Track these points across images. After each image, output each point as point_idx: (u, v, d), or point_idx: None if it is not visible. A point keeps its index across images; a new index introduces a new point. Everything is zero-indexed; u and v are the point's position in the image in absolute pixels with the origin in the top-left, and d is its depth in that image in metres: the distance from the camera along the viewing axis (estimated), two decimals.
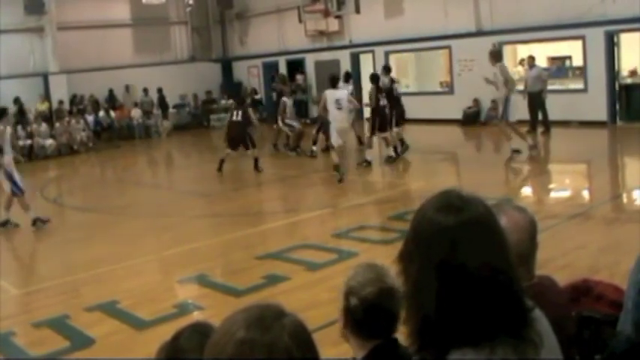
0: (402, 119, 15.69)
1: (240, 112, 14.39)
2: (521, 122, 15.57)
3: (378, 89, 14.07)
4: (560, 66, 18.87)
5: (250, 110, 14.88)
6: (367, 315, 2.22)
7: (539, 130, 16.09)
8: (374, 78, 14.39)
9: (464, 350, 1.47)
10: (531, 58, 16.55)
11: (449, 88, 20.45)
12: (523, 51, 19.04)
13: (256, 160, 14.26)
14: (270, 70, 25.83)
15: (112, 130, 23.44)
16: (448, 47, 19.88)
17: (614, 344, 2.75)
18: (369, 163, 13.73)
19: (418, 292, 1.52)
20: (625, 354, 2.66)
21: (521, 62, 18.68)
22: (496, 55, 13.56)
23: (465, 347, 1.47)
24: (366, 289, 2.24)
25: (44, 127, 20.81)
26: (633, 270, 2.73)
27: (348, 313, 2.27)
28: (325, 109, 12.73)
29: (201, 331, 1.79)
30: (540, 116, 16.25)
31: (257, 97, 26.21)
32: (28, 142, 20.34)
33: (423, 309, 1.51)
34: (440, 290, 1.47)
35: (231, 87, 26.90)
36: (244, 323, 1.34)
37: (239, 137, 14.25)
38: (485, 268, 1.48)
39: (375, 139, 14.22)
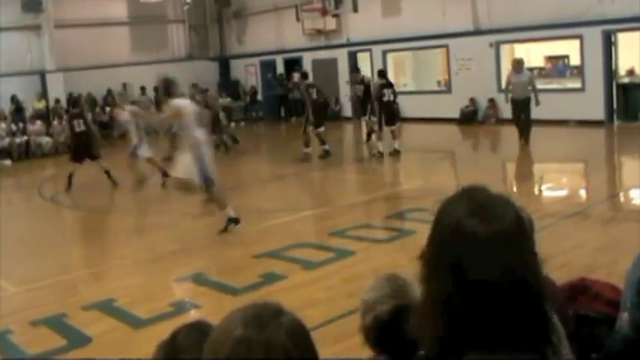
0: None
1: (81, 122, 13.79)
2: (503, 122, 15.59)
3: (383, 85, 14.69)
4: (557, 65, 18.88)
5: (90, 119, 14.10)
6: (383, 334, 2.06)
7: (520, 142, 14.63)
8: (381, 73, 15.43)
9: (481, 351, 1.38)
10: (517, 62, 14.97)
11: (446, 87, 20.47)
12: (520, 50, 19.07)
13: (108, 173, 13.66)
14: (268, 68, 25.83)
15: (110, 128, 23.33)
16: (446, 46, 19.89)
17: (610, 343, 2.76)
18: (381, 154, 14.33)
19: (441, 297, 1.39)
20: (622, 353, 2.67)
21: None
22: (169, 87, 8.98)
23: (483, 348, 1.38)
24: (379, 307, 2.07)
25: (39, 124, 20.81)
26: (631, 270, 2.73)
27: (364, 331, 2.12)
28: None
29: (199, 329, 1.79)
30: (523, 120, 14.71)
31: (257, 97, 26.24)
32: (25, 138, 20.33)
33: (445, 314, 1.39)
34: (464, 296, 1.36)
35: (229, 85, 26.91)
36: (242, 321, 1.34)
37: (83, 148, 13.67)
38: (510, 274, 1.36)
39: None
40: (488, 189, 1.44)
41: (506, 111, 16.89)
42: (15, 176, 18.15)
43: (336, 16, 21.95)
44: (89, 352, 5.53)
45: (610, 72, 16.65)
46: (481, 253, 1.34)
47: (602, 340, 2.80)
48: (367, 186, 12.71)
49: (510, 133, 15.70)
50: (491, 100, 18.62)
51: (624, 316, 2.66)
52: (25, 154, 20.14)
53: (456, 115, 19.37)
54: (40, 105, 22.18)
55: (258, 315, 1.35)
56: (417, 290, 1.98)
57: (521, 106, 14.55)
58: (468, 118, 19.19)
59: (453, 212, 1.39)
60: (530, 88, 14.51)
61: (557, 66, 18.81)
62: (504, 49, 18.79)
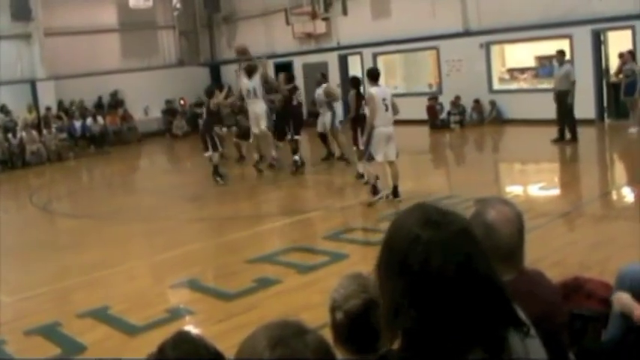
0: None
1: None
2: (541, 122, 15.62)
3: (359, 95, 11.64)
4: (546, 64, 18.91)
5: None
6: (354, 329, 2.16)
7: (567, 137, 14.49)
8: (356, 82, 11.99)
9: (476, 351, 1.44)
10: (561, 54, 14.89)
11: (437, 89, 20.49)
12: (509, 51, 19.15)
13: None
14: None
15: (103, 136, 23.27)
16: (436, 48, 19.93)
17: (605, 343, 2.77)
18: (361, 176, 11.93)
19: (396, 301, 1.47)
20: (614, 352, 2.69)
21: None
22: None
23: (478, 348, 1.45)
24: (349, 302, 2.17)
25: (32, 134, 20.76)
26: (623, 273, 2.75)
27: (335, 328, 2.20)
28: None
29: (186, 340, 1.78)
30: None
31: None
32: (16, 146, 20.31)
33: (401, 319, 1.47)
34: (417, 299, 1.44)
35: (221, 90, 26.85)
36: (268, 343, 1.36)
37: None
38: (464, 275, 1.45)
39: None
40: (437, 203, 1.57)
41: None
42: (7, 185, 18.06)
43: (325, 19, 21.96)
44: None
45: (600, 71, 16.70)
46: (436, 256, 1.44)
47: (595, 338, 2.82)
48: (359, 189, 12.70)
49: (496, 133, 15.75)
50: (477, 102, 18.75)
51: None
52: (21, 162, 20.14)
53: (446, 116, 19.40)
54: (31, 116, 22.07)
55: (283, 336, 1.37)
56: None
57: (560, 99, 14.71)
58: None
59: (409, 224, 1.50)
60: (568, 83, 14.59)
61: (546, 66, 18.83)
62: (494, 49, 18.85)
